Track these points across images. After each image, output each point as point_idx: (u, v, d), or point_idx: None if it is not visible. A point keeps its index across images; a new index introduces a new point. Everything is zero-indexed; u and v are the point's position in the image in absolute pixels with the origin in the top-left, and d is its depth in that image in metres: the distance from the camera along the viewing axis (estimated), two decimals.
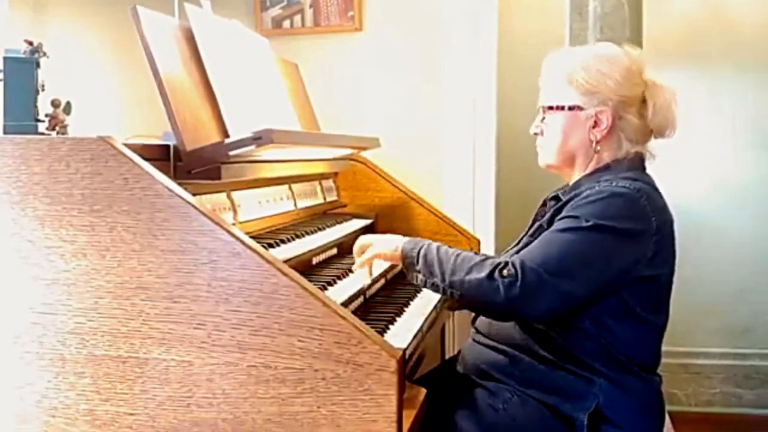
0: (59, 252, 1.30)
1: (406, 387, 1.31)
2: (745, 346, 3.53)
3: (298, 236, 1.84)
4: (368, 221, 2.37)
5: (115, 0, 1.94)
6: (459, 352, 1.77)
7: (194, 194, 1.30)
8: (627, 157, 1.61)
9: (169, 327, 1.26)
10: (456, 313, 2.37)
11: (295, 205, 2.08)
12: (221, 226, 1.23)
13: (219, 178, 1.54)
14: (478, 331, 1.70)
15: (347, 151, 2.29)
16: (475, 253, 1.56)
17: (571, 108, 1.61)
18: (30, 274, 1.31)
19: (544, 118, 1.67)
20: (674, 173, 3.45)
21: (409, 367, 1.49)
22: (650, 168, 1.66)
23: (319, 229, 2.00)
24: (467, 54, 2.71)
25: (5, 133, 1.44)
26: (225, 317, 1.23)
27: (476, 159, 2.73)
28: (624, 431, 1.51)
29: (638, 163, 1.63)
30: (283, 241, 1.74)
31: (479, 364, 1.64)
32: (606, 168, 1.61)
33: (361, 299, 1.77)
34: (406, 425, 1.24)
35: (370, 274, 1.75)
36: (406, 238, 1.66)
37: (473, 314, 1.76)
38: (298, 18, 2.85)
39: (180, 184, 1.28)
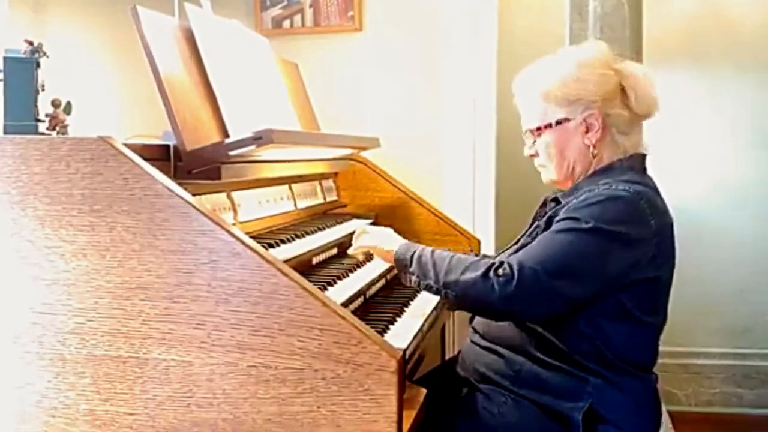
0: (59, 252, 1.30)
1: (406, 387, 1.31)
2: (745, 346, 3.53)
3: (298, 236, 1.84)
4: (368, 221, 2.37)
5: (115, 0, 1.94)
6: (459, 352, 1.77)
7: (194, 194, 1.30)
8: (626, 155, 1.61)
9: (169, 327, 1.26)
10: (456, 313, 2.36)
11: (295, 205, 2.08)
12: (221, 226, 1.23)
13: (219, 178, 1.54)
14: (475, 332, 1.70)
15: (347, 151, 2.29)
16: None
17: (559, 122, 1.61)
18: (30, 274, 1.31)
19: (535, 141, 1.66)
20: (674, 173, 3.45)
21: (409, 368, 1.49)
22: (650, 168, 1.66)
23: (319, 229, 2.00)
24: (467, 54, 2.71)
25: (5, 133, 1.44)
26: (225, 317, 1.23)
27: (476, 159, 2.73)
28: (620, 430, 1.51)
29: (639, 164, 1.62)
30: (283, 241, 1.74)
31: (477, 366, 1.64)
32: (606, 170, 1.60)
33: (361, 299, 1.77)
34: (406, 425, 1.24)
35: (364, 258, 1.76)
36: (403, 241, 1.67)
37: (470, 315, 1.76)
38: (298, 18, 2.85)
39: (180, 184, 1.28)
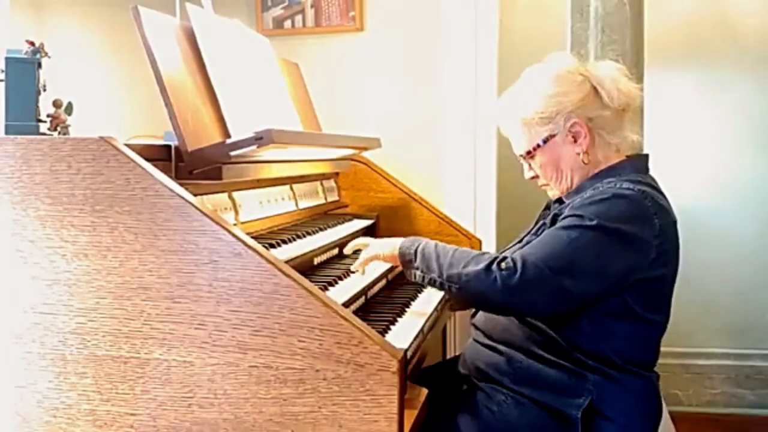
0: (60, 252, 1.30)
1: (408, 387, 1.31)
2: (746, 346, 3.53)
3: (299, 236, 1.84)
4: (369, 221, 2.37)
5: (116, 0, 1.94)
6: (464, 353, 1.76)
7: (195, 194, 1.31)
8: (627, 154, 1.62)
9: (170, 327, 1.26)
10: (457, 313, 2.37)
11: (297, 205, 2.08)
12: (222, 227, 1.23)
13: (220, 178, 1.54)
14: (477, 329, 1.71)
15: (348, 152, 2.29)
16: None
17: (545, 141, 1.63)
18: (31, 274, 1.31)
19: (530, 164, 1.69)
20: (674, 173, 3.45)
21: (410, 368, 1.49)
22: (651, 168, 1.66)
23: (321, 230, 2.00)
24: (468, 54, 2.71)
25: (7, 133, 1.44)
26: (226, 317, 1.23)
27: (477, 159, 2.73)
28: (620, 426, 1.51)
29: (642, 165, 1.64)
30: (284, 242, 1.74)
31: (477, 364, 1.65)
32: (610, 170, 1.61)
33: (362, 299, 1.77)
34: (407, 425, 1.24)
35: (363, 273, 1.77)
36: (403, 238, 1.67)
37: (472, 311, 1.77)
38: (299, 18, 2.85)
39: (181, 185, 1.28)
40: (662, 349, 1.65)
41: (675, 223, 1.57)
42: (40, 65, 1.48)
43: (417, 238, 1.65)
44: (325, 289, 1.64)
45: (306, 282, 1.23)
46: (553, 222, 1.55)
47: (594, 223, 1.45)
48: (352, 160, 2.45)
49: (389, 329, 1.64)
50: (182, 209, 1.25)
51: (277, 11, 2.86)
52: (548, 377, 1.53)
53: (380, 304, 1.84)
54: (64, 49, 2.11)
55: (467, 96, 2.72)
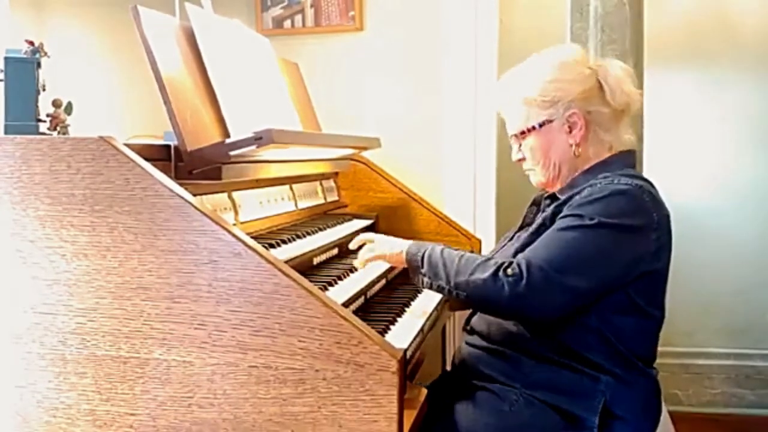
0: (60, 252, 1.30)
1: (407, 387, 1.31)
2: (745, 346, 3.53)
3: (298, 236, 1.84)
4: (369, 221, 2.37)
5: (116, 0, 1.94)
6: (459, 357, 1.75)
7: (195, 194, 1.30)
8: (615, 151, 1.62)
9: (170, 327, 1.26)
10: (457, 313, 2.37)
11: (296, 205, 2.08)
12: (222, 227, 1.23)
13: (220, 178, 1.54)
14: (473, 333, 1.70)
15: (348, 151, 2.29)
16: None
17: (542, 125, 1.63)
18: (31, 274, 1.31)
19: (521, 145, 1.68)
20: (674, 173, 3.46)
21: (410, 368, 1.49)
22: (651, 167, 1.67)
23: (320, 230, 2.00)
24: (468, 54, 2.71)
25: (6, 133, 1.44)
26: (226, 317, 1.23)
27: (477, 159, 2.73)
28: (630, 424, 1.52)
29: (631, 160, 1.65)
30: (284, 242, 1.74)
31: (481, 369, 1.63)
32: (603, 164, 1.62)
33: (362, 299, 1.77)
34: (407, 425, 1.24)
35: (363, 267, 1.77)
36: (409, 242, 1.66)
37: (465, 318, 1.76)
38: (299, 18, 2.85)
39: (181, 185, 1.28)
40: (662, 348, 1.65)
41: (669, 216, 1.58)
42: (39, 65, 1.48)
43: (423, 243, 1.65)
44: (324, 289, 1.64)
45: (306, 282, 1.23)
46: (552, 221, 1.55)
47: (595, 221, 1.46)
48: (352, 160, 2.45)
49: (389, 329, 1.64)
50: (182, 209, 1.25)
51: (277, 11, 2.86)
52: (561, 380, 1.52)
53: (380, 304, 1.84)
54: (64, 49, 2.11)
55: (467, 96, 2.72)
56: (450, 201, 2.72)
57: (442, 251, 1.57)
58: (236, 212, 1.69)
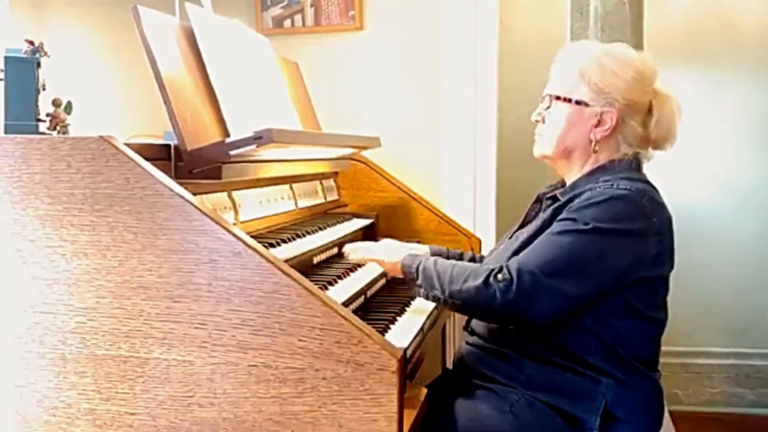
0: (60, 251, 1.30)
1: (407, 386, 1.31)
2: (745, 345, 3.54)
3: (298, 236, 1.84)
4: (369, 221, 2.37)
5: (116, 0, 1.94)
6: (460, 357, 1.76)
7: (195, 194, 1.30)
8: (625, 158, 1.61)
9: (170, 327, 1.26)
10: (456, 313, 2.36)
11: (296, 204, 2.08)
12: (222, 226, 1.23)
13: (220, 177, 1.54)
14: (473, 334, 1.70)
15: (348, 151, 2.29)
16: (472, 261, 1.55)
17: (578, 102, 1.61)
18: (31, 274, 1.31)
19: (549, 107, 1.66)
20: (675, 173, 3.45)
21: (410, 367, 1.49)
22: (651, 167, 1.66)
23: (320, 229, 2.00)
24: (468, 53, 2.71)
25: (6, 132, 1.44)
26: (226, 317, 1.23)
27: (477, 158, 2.73)
28: (632, 426, 1.51)
29: (636, 163, 1.63)
30: (284, 241, 1.74)
31: (482, 370, 1.63)
32: (604, 168, 1.61)
33: (361, 299, 1.77)
34: (407, 425, 1.24)
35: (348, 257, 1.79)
36: (406, 250, 1.69)
37: (466, 318, 1.76)
38: (298, 17, 2.85)
39: (181, 184, 1.28)
40: (662, 348, 1.65)
41: (671, 220, 1.57)
42: (39, 64, 1.48)
43: (417, 255, 1.67)
44: (324, 288, 1.64)
45: (306, 281, 1.23)
46: (551, 224, 1.54)
47: (589, 226, 1.46)
48: (352, 159, 2.45)
49: (389, 328, 1.64)
50: (182, 208, 1.25)
51: (277, 10, 2.86)
52: (561, 382, 1.52)
53: (380, 304, 1.84)
54: (63, 48, 2.11)
55: (467, 95, 2.72)
56: (450, 201, 2.72)
57: (435, 262, 1.58)
58: (236, 212, 1.69)
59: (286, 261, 1.40)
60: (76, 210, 1.29)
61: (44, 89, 1.49)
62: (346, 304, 1.59)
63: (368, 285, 1.81)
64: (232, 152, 1.51)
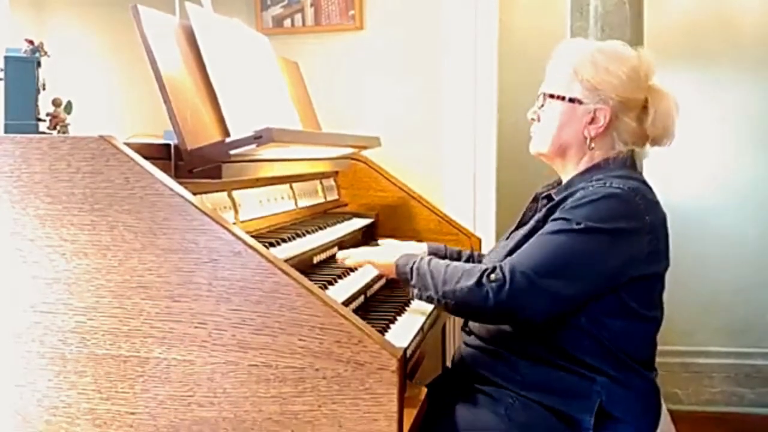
0: (60, 251, 1.30)
1: (407, 386, 1.31)
2: (745, 345, 3.54)
3: (298, 235, 1.84)
4: (369, 220, 2.37)
5: None
6: (458, 357, 1.76)
7: (195, 193, 1.30)
8: (619, 156, 1.61)
9: (170, 326, 1.26)
10: None
11: (296, 204, 2.08)
12: (222, 225, 1.23)
13: (220, 177, 1.54)
14: (471, 334, 1.70)
15: (348, 150, 2.29)
16: (470, 259, 1.55)
17: (571, 100, 1.61)
18: (31, 273, 1.31)
19: (543, 105, 1.66)
20: (675, 173, 3.45)
21: (410, 366, 1.49)
22: (651, 167, 1.66)
23: (320, 228, 2.00)
24: (468, 53, 2.71)
25: (6, 132, 1.44)
26: (226, 316, 1.23)
27: (477, 158, 2.73)
28: (629, 425, 1.51)
29: (630, 161, 1.63)
30: (284, 240, 1.74)
31: (478, 370, 1.63)
32: (598, 166, 1.61)
33: (361, 298, 1.77)
34: (406, 424, 1.24)
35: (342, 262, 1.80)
36: (402, 251, 1.69)
37: (464, 319, 1.76)
38: (298, 17, 2.85)
39: (181, 183, 1.28)
40: (662, 347, 1.65)
41: (665, 218, 1.57)
42: (39, 64, 1.47)
43: (412, 254, 1.67)
44: (324, 287, 1.64)
45: (306, 281, 1.23)
46: (545, 223, 1.54)
47: (581, 226, 1.46)
48: (352, 159, 2.45)
49: (389, 328, 1.64)
50: (182, 208, 1.25)
51: (277, 10, 2.86)
52: (556, 382, 1.52)
53: (380, 303, 1.84)
54: (64, 48, 2.11)
55: (467, 95, 2.72)
56: (450, 200, 2.72)
57: (429, 262, 1.58)
58: (236, 211, 1.70)
59: (286, 260, 1.40)
60: (76, 209, 1.29)
61: (44, 89, 1.49)
62: (346, 303, 1.59)
63: (368, 284, 1.81)
64: (232, 152, 1.51)
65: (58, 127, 1.51)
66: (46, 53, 1.49)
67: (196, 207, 1.24)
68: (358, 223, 2.26)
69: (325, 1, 2.81)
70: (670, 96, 1.63)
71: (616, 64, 1.59)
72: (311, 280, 1.26)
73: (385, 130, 2.55)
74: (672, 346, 3.33)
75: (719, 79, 3.49)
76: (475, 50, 2.70)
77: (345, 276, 1.80)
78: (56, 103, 1.52)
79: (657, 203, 1.56)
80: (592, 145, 1.61)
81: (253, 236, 1.32)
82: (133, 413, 1.29)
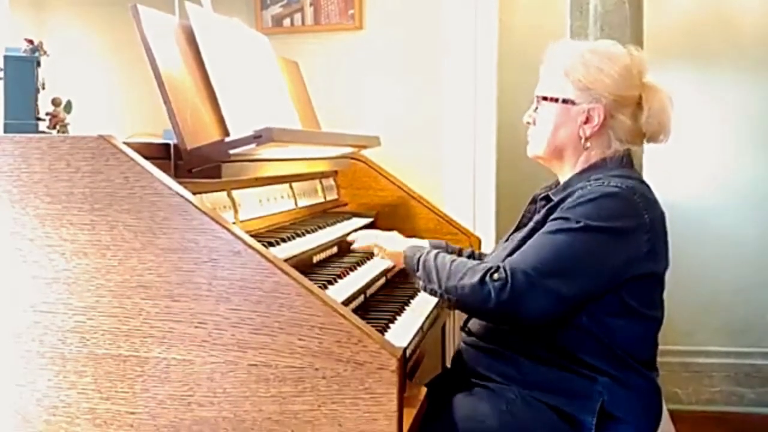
0: (60, 251, 1.30)
1: (407, 386, 1.31)
2: (745, 344, 3.54)
3: (298, 235, 1.84)
4: (368, 220, 2.37)
5: None
6: (458, 357, 1.76)
7: (195, 193, 1.30)
8: (616, 155, 1.61)
9: (170, 326, 1.26)
10: (456, 311, 2.36)
11: (296, 203, 2.08)
12: (222, 225, 1.23)
13: (219, 176, 1.54)
14: (471, 334, 1.70)
15: (348, 150, 2.29)
16: (471, 257, 1.55)
17: (564, 101, 1.61)
18: (30, 273, 1.31)
19: (537, 108, 1.67)
20: (675, 173, 3.45)
21: (409, 366, 1.49)
22: (651, 167, 1.66)
23: (320, 228, 2.00)
24: (468, 52, 2.71)
25: (6, 131, 1.44)
26: (225, 316, 1.23)
27: (477, 158, 2.73)
28: (631, 425, 1.51)
29: (627, 160, 1.63)
30: (283, 240, 1.74)
31: (479, 369, 1.63)
32: (595, 166, 1.61)
33: (361, 298, 1.77)
34: (406, 424, 1.24)
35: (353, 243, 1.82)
36: (410, 242, 1.69)
37: (464, 319, 1.76)
38: (298, 16, 2.85)
39: (180, 183, 1.28)
40: (662, 347, 1.65)
41: (663, 216, 1.57)
42: (39, 63, 1.48)
43: (419, 246, 1.68)
44: (324, 287, 1.64)
45: (305, 280, 1.23)
46: (544, 224, 1.54)
47: (581, 225, 1.46)
48: (352, 158, 2.45)
49: (389, 327, 1.64)
50: (181, 208, 1.24)
51: (276, 9, 2.86)
52: (558, 381, 1.52)
53: (379, 303, 1.84)
54: (63, 48, 2.11)
55: (467, 95, 2.72)
56: (450, 200, 2.72)
57: (435, 256, 1.59)
58: (236, 211, 1.70)
59: (285, 260, 1.40)
60: (76, 209, 1.29)
61: (44, 88, 1.49)
62: (345, 303, 1.58)
63: (368, 284, 1.81)
64: (232, 151, 1.51)
65: (57, 127, 1.51)
66: (45, 53, 1.49)
67: (195, 206, 1.24)
68: (357, 223, 2.26)
69: (325, 0, 2.81)
70: (664, 92, 1.64)
71: (608, 63, 1.59)
72: (311, 280, 1.26)
73: (385, 129, 2.54)
74: (672, 345, 3.33)
75: (719, 79, 3.49)
76: (475, 50, 2.70)
77: (345, 275, 1.80)
78: (56, 102, 1.52)
79: (655, 202, 1.56)
80: (588, 144, 1.61)
81: (252, 236, 1.32)
82: (132, 413, 1.29)
